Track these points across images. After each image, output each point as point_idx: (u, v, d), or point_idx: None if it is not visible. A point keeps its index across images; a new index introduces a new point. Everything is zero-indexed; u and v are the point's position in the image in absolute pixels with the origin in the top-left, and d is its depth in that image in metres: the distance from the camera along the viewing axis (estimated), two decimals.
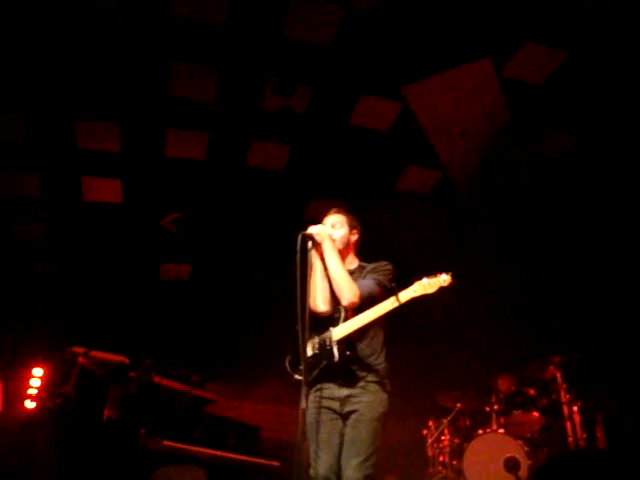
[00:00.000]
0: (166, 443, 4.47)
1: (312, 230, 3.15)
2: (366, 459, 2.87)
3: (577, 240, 5.80)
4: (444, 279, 2.89)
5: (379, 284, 3.12)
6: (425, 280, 2.90)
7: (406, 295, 2.90)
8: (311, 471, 2.93)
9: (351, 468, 2.84)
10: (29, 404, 5.61)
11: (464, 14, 4.53)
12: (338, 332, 3.03)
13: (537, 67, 5.02)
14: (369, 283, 3.11)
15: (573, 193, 5.72)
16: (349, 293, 3.04)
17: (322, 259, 3.18)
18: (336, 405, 3.03)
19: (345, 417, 3.02)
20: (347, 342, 3.02)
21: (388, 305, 2.92)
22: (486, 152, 5.60)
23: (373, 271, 3.19)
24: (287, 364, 3.10)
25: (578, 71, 4.88)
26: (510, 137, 5.43)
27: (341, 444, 2.96)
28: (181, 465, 1.90)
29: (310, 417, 3.00)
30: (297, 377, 2.90)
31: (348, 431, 2.97)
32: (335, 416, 3.03)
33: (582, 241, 5.78)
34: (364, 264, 3.27)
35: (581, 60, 4.78)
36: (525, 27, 4.63)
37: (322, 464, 2.91)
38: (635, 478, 1.45)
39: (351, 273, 3.20)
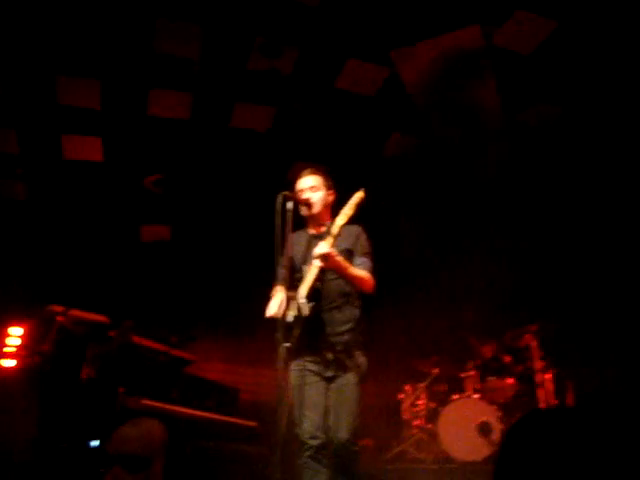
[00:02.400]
0: (144, 402, 4.49)
1: (320, 250, 3.01)
2: (354, 419, 3.00)
3: (558, 210, 5.85)
4: (357, 196, 3.04)
5: (372, 257, 3.28)
6: (344, 209, 3.04)
7: (335, 228, 3.01)
8: (296, 430, 3.00)
9: (341, 429, 2.96)
10: (7, 362, 5.57)
11: None
12: (303, 288, 3.09)
13: (526, 36, 4.98)
14: (368, 263, 3.24)
15: (554, 162, 5.73)
16: (367, 286, 3.19)
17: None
18: (320, 368, 3.11)
19: (329, 380, 3.10)
20: (312, 295, 3.07)
21: (326, 245, 2.98)
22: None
23: (361, 249, 3.28)
24: (277, 334, 3.01)
25: (567, 41, 4.84)
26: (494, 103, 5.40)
27: (326, 405, 3.04)
28: (135, 419, 1.91)
29: (294, 380, 3.10)
30: (286, 345, 2.91)
31: (334, 394, 3.06)
32: (318, 378, 3.11)
33: (563, 211, 5.83)
34: (330, 226, 3.17)
35: (570, 30, 4.73)
36: None
37: (310, 423, 2.99)
38: (604, 432, 1.48)
39: (321, 236, 3.20)
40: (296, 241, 3.30)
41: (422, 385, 5.80)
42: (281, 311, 3.02)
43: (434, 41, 5.12)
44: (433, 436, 5.36)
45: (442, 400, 5.60)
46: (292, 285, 3.16)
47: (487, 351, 5.63)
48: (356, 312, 3.23)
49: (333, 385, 3.09)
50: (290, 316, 3.02)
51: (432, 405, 5.66)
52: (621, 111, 5.23)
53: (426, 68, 5.30)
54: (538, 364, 5.27)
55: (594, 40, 4.80)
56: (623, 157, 5.42)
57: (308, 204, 3.27)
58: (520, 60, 5.09)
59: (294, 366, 3.12)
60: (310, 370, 3.11)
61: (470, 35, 5.07)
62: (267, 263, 3.28)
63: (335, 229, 2.99)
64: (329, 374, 3.10)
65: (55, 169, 6.05)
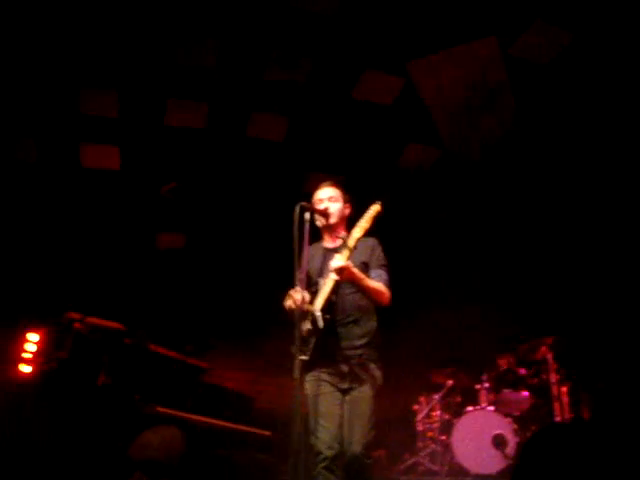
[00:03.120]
0: (159, 409, 4.52)
1: (337, 264, 3.00)
2: (368, 432, 3.00)
3: (577, 221, 5.81)
4: (374, 209, 3.05)
5: (387, 269, 3.28)
6: (360, 221, 3.05)
7: (352, 240, 3.02)
8: (312, 439, 3.00)
9: (354, 442, 2.96)
10: (24, 368, 5.63)
11: None
12: (319, 301, 3.10)
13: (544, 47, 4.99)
14: (383, 276, 3.23)
15: (568, 169, 5.69)
16: (383, 299, 3.19)
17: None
18: (335, 380, 3.12)
19: (344, 392, 3.11)
20: (328, 308, 3.08)
21: (342, 257, 2.99)
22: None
23: (376, 261, 3.28)
24: (293, 346, 2.96)
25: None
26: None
27: (341, 415, 3.04)
28: (156, 426, 1.91)
29: (310, 390, 3.11)
30: (302, 357, 2.92)
31: (350, 407, 3.06)
32: (334, 389, 3.11)
33: (582, 222, 5.79)
34: (346, 238, 3.15)
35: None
36: None
37: (325, 432, 2.99)
38: (620, 447, 1.47)
39: (337, 249, 3.22)
40: (311, 254, 3.32)
41: (436, 396, 5.77)
42: (301, 304, 3.02)
43: (450, 51, 5.15)
44: (447, 448, 5.33)
45: (456, 412, 5.57)
46: (310, 299, 3.18)
47: (502, 363, 5.58)
48: (373, 325, 3.25)
49: (348, 397, 3.09)
50: (305, 329, 3.04)
51: (446, 417, 5.63)
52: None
53: (442, 80, 5.32)
54: (554, 377, 5.22)
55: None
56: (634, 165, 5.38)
57: (325, 214, 3.29)
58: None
59: (309, 377, 3.13)
60: (325, 381, 3.12)
61: (486, 46, 5.10)
62: (284, 272, 3.29)
63: (352, 242, 3.00)
64: (344, 386, 3.11)
65: (73, 177, 6.12)
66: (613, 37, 4.73)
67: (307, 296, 3.11)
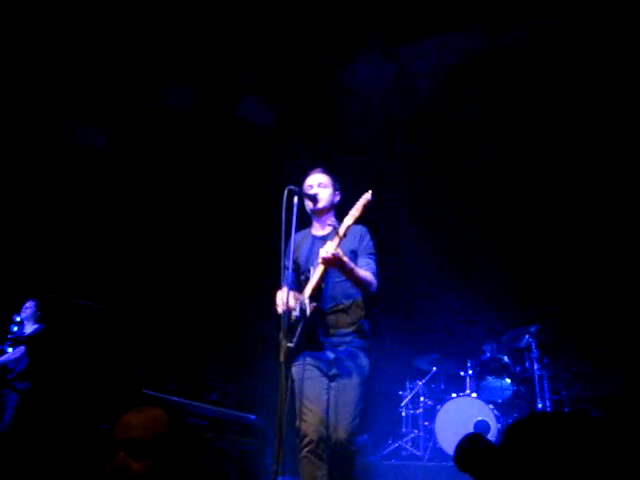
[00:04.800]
0: (144, 392, 4.52)
1: (327, 251, 2.99)
2: (353, 419, 3.02)
3: (560, 209, 5.85)
4: (365, 198, 3.02)
5: (375, 258, 3.29)
6: (352, 210, 3.03)
7: (342, 228, 3.01)
8: (297, 422, 3.02)
9: (340, 428, 2.98)
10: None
11: None
12: (307, 289, 3.12)
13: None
14: (372, 265, 3.24)
15: (552, 161, 5.73)
16: (371, 288, 3.18)
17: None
18: (322, 366, 3.13)
19: (331, 379, 3.11)
20: (316, 296, 3.09)
21: (332, 245, 2.99)
22: None
23: (365, 250, 3.29)
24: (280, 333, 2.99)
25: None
26: None
27: (328, 400, 3.05)
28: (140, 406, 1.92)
29: (297, 374, 3.12)
30: (288, 344, 2.92)
31: (336, 394, 3.07)
32: (321, 374, 3.12)
33: (565, 211, 5.83)
34: (337, 225, 3.15)
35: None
36: None
37: (312, 416, 3.00)
38: (601, 438, 1.49)
39: (326, 237, 3.23)
40: (300, 242, 3.32)
41: (421, 383, 5.82)
42: (293, 306, 3.04)
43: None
44: (430, 433, 5.39)
45: (440, 398, 5.62)
46: (299, 286, 3.18)
47: (486, 351, 5.64)
48: (361, 314, 3.25)
49: (334, 384, 3.10)
50: (294, 315, 3.05)
51: (430, 403, 5.68)
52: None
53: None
54: (536, 365, 5.28)
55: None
56: (625, 161, 5.43)
57: (314, 199, 3.28)
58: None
59: (297, 361, 3.14)
60: (312, 365, 3.13)
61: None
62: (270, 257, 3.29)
63: (342, 229, 2.99)
64: (331, 373, 3.12)
65: (60, 159, 6.05)
66: (598, 24, 4.75)
67: (292, 299, 3.10)
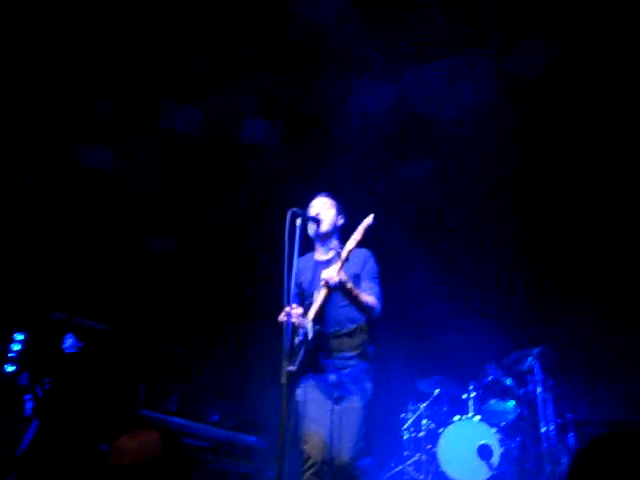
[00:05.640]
0: (144, 413, 4.49)
1: (329, 275, 3.03)
2: (357, 442, 3.02)
3: (564, 227, 5.85)
4: (366, 222, 3.05)
5: (379, 281, 3.30)
6: (354, 234, 3.06)
7: (345, 252, 3.03)
8: (301, 445, 3.00)
9: (343, 451, 2.97)
10: (9, 368, 5.58)
11: None
12: (311, 312, 3.14)
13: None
14: (375, 289, 3.24)
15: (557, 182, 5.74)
16: (374, 313, 3.20)
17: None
18: (326, 388, 3.13)
19: (335, 401, 3.10)
20: (318, 318, 3.11)
21: (335, 269, 3.00)
22: None
23: (368, 272, 3.29)
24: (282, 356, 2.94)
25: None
26: None
27: (332, 423, 3.05)
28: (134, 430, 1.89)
29: (300, 396, 3.13)
30: (290, 368, 2.92)
31: (340, 417, 3.07)
32: (325, 396, 3.12)
33: (570, 228, 5.83)
34: (340, 249, 3.19)
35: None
36: None
37: (316, 438, 3.00)
38: None
39: (330, 261, 3.23)
40: (303, 267, 3.32)
41: (423, 405, 5.77)
42: (296, 318, 3.04)
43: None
44: (432, 457, 5.33)
45: (443, 421, 5.56)
46: (303, 311, 3.19)
47: (489, 373, 5.59)
48: (365, 338, 3.24)
49: (337, 407, 3.09)
50: (297, 339, 3.05)
51: (432, 425, 5.62)
52: None
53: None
54: (540, 388, 5.23)
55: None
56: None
57: (317, 221, 3.29)
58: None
59: (301, 383, 3.13)
60: (316, 388, 3.13)
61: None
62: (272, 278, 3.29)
63: (344, 253, 3.00)
64: (335, 395, 3.12)
65: (65, 176, 6.09)
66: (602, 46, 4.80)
67: (301, 310, 3.12)
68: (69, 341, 5.65)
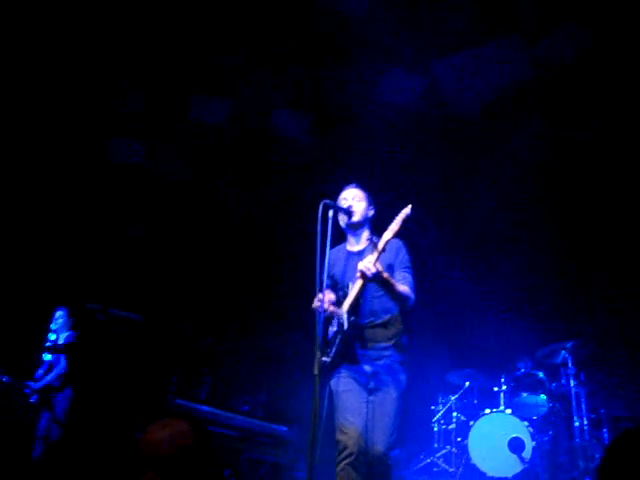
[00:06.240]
0: (177, 402, 4.57)
1: (367, 266, 2.99)
2: (392, 433, 3.01)
3: (600, 222, 5.74)
4: (404, 212, 3.02)
5: (412, 271, 3.28)
6: (392, 225, 3.04)
7: (381, 243, 3.02)
8: (337, 435, 3.01)
9: (377, 442, 2.97)
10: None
11: None
12: (345, 303, 3.13)
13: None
14: (409, 279, 3.23)
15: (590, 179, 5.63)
16: (409, 302, 3.18)
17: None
18: (361, 379, 3.13)
19: (370, 392, 3.11)
20: (353, 309, 3.10)
21: (371, 259, 2.99)
22: None
23: (401, 262, 3.28)
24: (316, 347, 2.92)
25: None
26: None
27: (367, 413, 3.05)
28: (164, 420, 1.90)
29: (335, 386, 3.13)
30: (324, 359, 2.94)
31: (374, 407, 3.06)
32: (360, 387, 3.12)
33: (605, 223, 5.72)
34: (376, 240, 3.20)
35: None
36: None
37: (352, 428, 2.99)
38: None
39: (363, 252, 3.23)
40: (335, 258, 3.32)
41: (454, 397, 5.74)
42: (329, 306, 3.05)
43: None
44: (463, 450, 5.30)
45: (473, 413, 5.52)
46: (337, 302, 3.20)
47: (521, 366, 5.53)
48: (400, 328, 3.24)
49: (372, 398, 3.09)
50: (331, 330, 3.06)
51: (463, 418, 5.59)
52: None
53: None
54: (573, 381, 5.16)
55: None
56: None
57: (349, 212, 3.29)
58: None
59: (336, 374, 3.15)
60: (351, 378, 3.13)
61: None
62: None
63: (381, 244, 3.00)
64: (370, 386, 3.12)
65: (98, 170, 6.19)
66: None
67: (333, 297, 3.13)
68: (62, 336, 5.77)
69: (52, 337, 5.88)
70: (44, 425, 5.32)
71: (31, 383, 5.54)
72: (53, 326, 5.88)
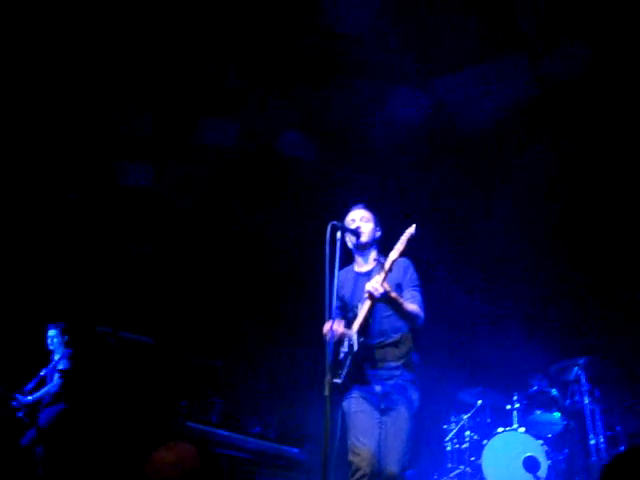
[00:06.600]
0: (188, 424, 4.55)
1: (374, 286, 3.01)
2: (405, 454, 3.01)
3: (612, 236, 5.71)
4: (409, 232, 3.05)
5: (421, 289, 3.30)
6: (397, 245, 3.06)
7: (388, 263, 3.04)
8: (350, 456, 3.00)
9: (391, 463, 2.96)
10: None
11: None
12: (355, 324, 3.15)
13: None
14: (417, 297, 3.25)
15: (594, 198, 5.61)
16: (418, 321, 3.19)
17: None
18: (373, 399, 3.14)
19: (382, 413, 3.12)
20: (363, 330, 3.11)
21: (379, 279, 3.00)
22: None
23: (410, 281, 3.30)
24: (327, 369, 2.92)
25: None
26: None
27: (380, 434, 3.05)
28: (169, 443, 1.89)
29: (348, 407, 3.14)
30: (335, 380, 2.94)
31: (387, 428, 3.07)
32: (372, 407, 3.13)
33: (617, 238, 5.69)
34: (382, 260, 3.23)
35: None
36: None
37: (365, 449, 2.99)
38: None
39: (370, 272, 3.26)
40: (344, 279, 3.34)
41: (466, 416, 5.67)
42: (339, 331, 3.06)
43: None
44: (477, 469, 5.23)
45: (486, 432, 5.46)
46: (346, 323, 3.21)
47: (534, 384, 5.47)
48: (410, 347, 3.24)
49: (385, 418, 3.10)
50: (341, 351, 3.06)
51: (476, 437, 5.53)
52: None
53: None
54: (587, 398, 5.09)
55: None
56: None
57: (357, 233, 3.30)
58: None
59: (348, 395, 3.15)
60: (363, 399, 3.14)
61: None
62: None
63: (388, 264, 3.02)
64: (381, 406, 3.12)
65: (107, 193, 6.25)
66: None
67: (342, 323, 3.14)
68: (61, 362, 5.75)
69: (56, 357, 5.87)
70: (28, 439, 5.31)
71: (19, 396, 5.51)
72: (50, 347, 5.88)
